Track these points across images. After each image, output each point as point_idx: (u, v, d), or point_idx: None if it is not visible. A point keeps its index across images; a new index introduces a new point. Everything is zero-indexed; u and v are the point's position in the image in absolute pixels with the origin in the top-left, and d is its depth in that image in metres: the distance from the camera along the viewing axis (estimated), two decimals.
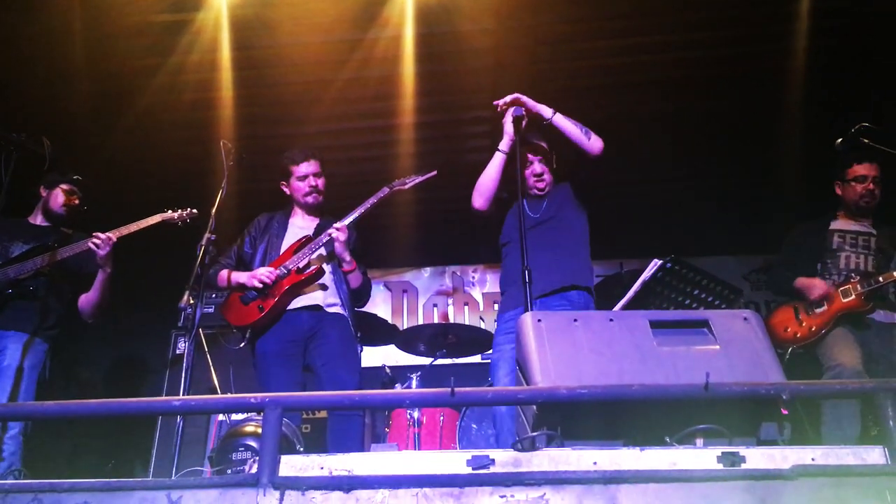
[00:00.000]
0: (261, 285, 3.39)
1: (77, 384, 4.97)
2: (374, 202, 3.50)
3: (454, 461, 1.63)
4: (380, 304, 6.31)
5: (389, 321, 5.35)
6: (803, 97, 4.80)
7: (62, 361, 3.77)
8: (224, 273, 3.53)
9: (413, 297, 6.58)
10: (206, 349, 4.57)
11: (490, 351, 3.34)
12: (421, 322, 6.32)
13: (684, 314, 2.27)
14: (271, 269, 3.42)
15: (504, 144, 3.24)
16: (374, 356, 5.17)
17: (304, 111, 5.13)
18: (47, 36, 4.31)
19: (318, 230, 3.59)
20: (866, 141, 3.54)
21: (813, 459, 1.61)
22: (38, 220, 3.67)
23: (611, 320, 2.05)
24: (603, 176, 3.49)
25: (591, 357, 1.94)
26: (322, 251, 3.51)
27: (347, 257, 3.49)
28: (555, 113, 3.16)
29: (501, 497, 1.48)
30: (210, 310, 4.70)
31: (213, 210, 3.28)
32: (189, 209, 3.63)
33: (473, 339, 4.65)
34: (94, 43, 4.39)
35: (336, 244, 3.43)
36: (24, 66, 4.51)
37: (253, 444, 3.12)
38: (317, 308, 3.45)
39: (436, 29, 4.47)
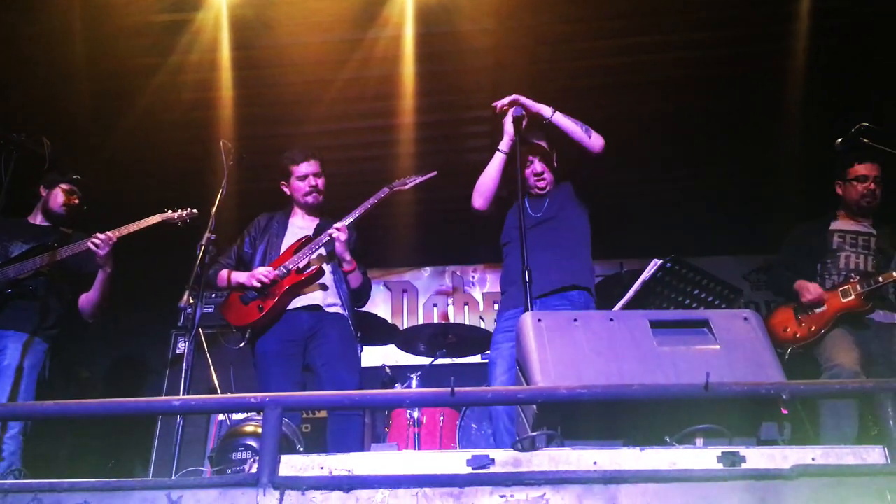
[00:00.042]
0: (260, 285, 3.39)
1: (77, 384, 4.97)
2: (375, 202, 3.50)
3: (454, 461, 1.63)
4: (380, 304, 6.32)
5: (389, 321, 5.35)
6: (803, 97, 4.80)
7: (62, 361, 3.77)
8: (224, 273, 3.53)
9: (413, 297, 6.58)
10: (206, 349, 4.57)
11: (489, 351, 3.34)
12: (421, 322, 6.32)
13: (684, 314, 2.27)
14: (270, 268, 3.43)
15: (504, 144, 3.24)
16: (374, 356, 5.17)
17: (304, 111, 5.13)
18: (47, 36, 4.31)
19: (318, 230, 3.59)
20: (866, 141, 3.54)
21: (813, 459, 1.61)
22: (37, 219, 3.67)
23: (611, 320, 2.05)
24: (604, 174, 3.49)
25: (591, 357, 1.94)
26: (322, 251, 3.51)
27: (348, 257, 3.49)
28: (554, 112, 3.16)
29: (501, 497, 1.48)
30: (210, 310, 4.69)
31: (213, 210, 3.28)
32: (189, 209, 3.63)
33: (473, 339, 4.65)
34: (94, 43, 4.39)
35: (336, 244, 3.44)
36: (24, 66, 4.50)
37: (253, 443, 3.11)
38: (317, 308, 3.45)
39: (436, 29, 4.47)
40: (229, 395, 4.16)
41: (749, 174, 5.80)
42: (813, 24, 4.42)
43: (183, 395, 2.88)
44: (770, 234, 4.59)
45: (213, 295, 4.74)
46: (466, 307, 6.53)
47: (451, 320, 6.36)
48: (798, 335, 3.64)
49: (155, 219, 3.58)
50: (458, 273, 6.64)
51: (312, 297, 3.46)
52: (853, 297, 3.54)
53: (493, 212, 3.39)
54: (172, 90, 4.75)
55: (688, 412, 1.79)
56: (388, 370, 4.61)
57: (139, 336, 5.72)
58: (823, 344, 3.55)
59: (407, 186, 3.57)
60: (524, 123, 3.15)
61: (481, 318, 6.21)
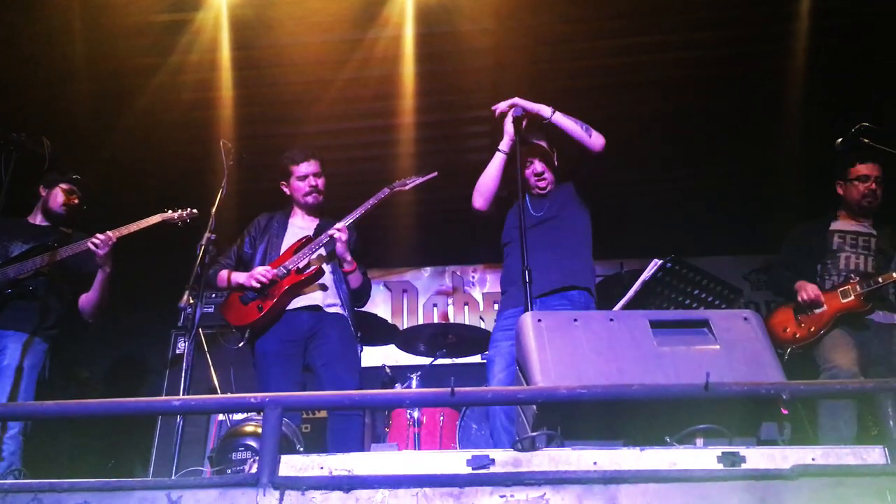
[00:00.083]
0: (259, 285, 3.39)
1: (77, 384, 4.97)
2: (375, 203, 3.50)
3: (454, 461, 1.63)
4: (380, 304, 6.32)
5: (389, 321, 5.35)
6: (803, 97, 4.80)
7: (62, 361, 3.77)
8: (224, 273, 3.53)
9: (413, 297, 6.58)
10: (206, 349, 4.57)
11: (488, 350, 3.34)
12: (421, 322, 6.32)
13: (684, 314, 2.27)
14: (269, 267, 3.43)
15: (504, 144, 3.24)
16: (374, 356, 5.17)
17: (304, 111, 5.13)
18: (47, 36, 4.31)
19: (318, 230, 3.59)
20: (866, 141, 3.53)
21: (813, 459, 1.61)
22: (37, 219, 3.67)
23: (611, 320, 2.05)
24: (604, 174, 3.49)
25: (591, 357, 1.94)
26: (322, 251, 3.51)
27: (348, 258, 3.49)
28: (554, 112, 3.16)
29: (501, 497, 1.48)
30: (210, 310, 4.69)
31: (213, 210, 3.28)
32: (189, 209, 3.63)
33: (473, 339, 4.65)
34: (94, 43, 4.39)
35: (337, 245, 3.43)
36: (24, 66, 4.50)
37: (253, 443, 3.11)
38: (316, 308, 3.45)
39: (436, 29, 4.47)
40: (229, 395, 4.16)
41: (749, 174, 5.80)
42: (813, 24, 4.42)
43: (183, 395, 2.88)
44: (770, 234, 4.59)
45: (213, 295, 4.74)
46: (466, 307, 6.53)
47: (451, 320, 6.36)
48: (797, 335, 3.64)
49: (155, 219, 3.57)
50: (458, 273, 6.64)
51: (312, 298, 3.46)
52: (853, 297, 3.54)
53: (493, 212, 3.39)
54: (172, 90, 4.75)
55: (688, 412, 1.79)
56: (388, 370, 4.61)
57: (139, 336, 5.72)
58: (822, 345, 3.55)
59: (407, 187, 3.57)
60: (524, 124, 3.16)
61: (481, 318, 6.20)
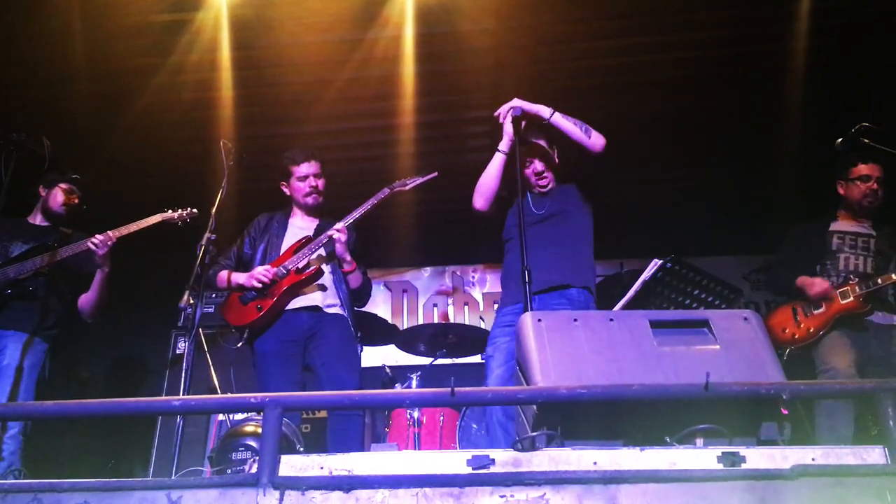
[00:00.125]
0: (259, 285, 3.39)
1: (77, 384, 4.97)
2: (375, 203, 3.50)
3: (454, 461, 1.63)
4: (380, 304, 6.31)
5: (389, 321, 5.35)
6: (803, 97, 4.80)
7: (62, 361, 3.77)
8: (224, 274, 3.53)
9: (413, 297, 6.58)
10: (206, 349, 4.57)
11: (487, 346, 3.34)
12: (421, 322, 6.32)
13: (684, 314, 2.27)
14: (269, 267, 3.43)
15: (504, 145, 3.24)
16: (374, 356, 5.17)
17: (304, 111, 5.13)
18: (47, 36, 4.31)
19: (318, 231, 3.59)
20: (866, 141, 3.53)
21: (813, 459, 1.61)
22: (37, 219, 3.66)
23: (611, 320, 2.05)
24: (604, 174, 3.49)
25: (591, 357, 1.94)
26: (321, 251, 3.51)
27: (348, 258, 3.49)
28: (553, 112, 3.16)
29: (501, 497, 1.48)
30: (210, 310, 4.70)
31: (213, 210, 3.28)
32: (189, 209, 3.63)
33: (473, 339, 4.65)
34: (94, 43, 4.39)
35: (337, 245, 3.43)
36: (24, 66, 4.51)
37: (253, 444, 3.11)
38: (316, 309, 3.45)
39: (436, 29, 4.47)
40: (229, 395, 4.16)
41: (749, 174, 5.80)
42: (813, 24, 4.42)
43: (183, 395, 2.88)
44: (770, 234, 4.59)
45: (213, 295, 4.74)
46: (466, 307, 6.53)
47: (451, 320, 6.36)
48: (797, 336, 3.64)
49: (155, 219, 3.57)
50: (458, 273, 6.64)
51: (312, 298, 3.46)
52: (852, 298, 3.53)
53: (493, 212, 3.39)
54: (172, 90, 4.75)
55: (688, 412, 1.79)
56: (388, 370, 4.61)
57: (139, 336, 5.72)
58: (821, 346, 3.55)
59: (407, 187, 3.57)
60: (523, 124, 3.16)
61: (481, 318, 6.21)
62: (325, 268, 3.51)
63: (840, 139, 3.60)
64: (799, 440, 2.04)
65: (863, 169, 3.72)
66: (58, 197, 3.63)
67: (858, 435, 3.34)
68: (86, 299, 3.56)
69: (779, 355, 3.24)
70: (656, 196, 6.19)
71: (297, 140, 4.96)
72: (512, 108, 3.14)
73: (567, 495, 1.48)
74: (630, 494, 1.48)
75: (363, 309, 3.93)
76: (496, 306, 5.20)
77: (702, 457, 1.62)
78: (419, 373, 4.33)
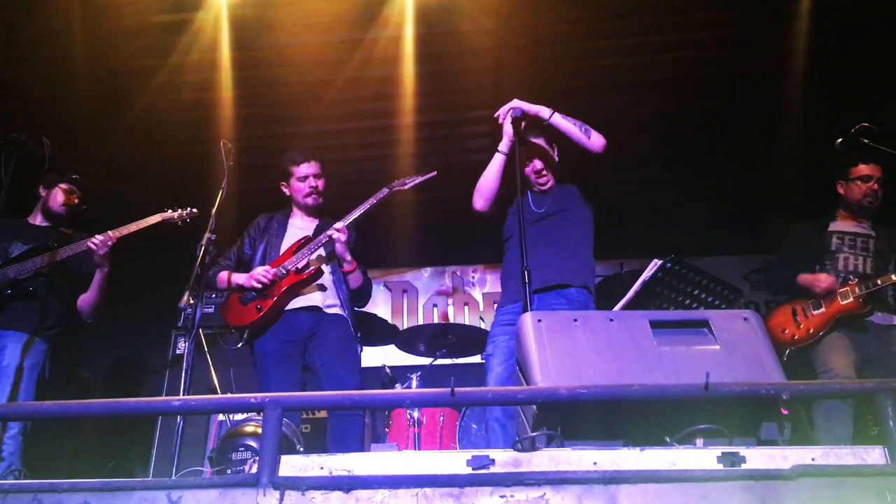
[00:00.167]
0: (259, 285, 3.39)
1: (77, 384, 4.97)
2: (374, 203, 3.50)
3: (454, 461, 1.63)
4: (380, 304, 6.32)
5: (389, 321, 5.35)
6: (803, 97, 4.80)
7: (62, 361, 3.77)
8: (224, 275, 3.53)
9: (413, 297, 6.58)
10: (206, 349, 4.57)
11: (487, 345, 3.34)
12: (421, 322, 6.32)
13: (684, 314, 2.27)
14: (268, 268, 3.43)
15: (503, 145, 3.25)
16: (374, 356, 5.17)
17: (304, 111, 5.13)
18: (47, 36, 4.31)
19: (318, 231, 3.59)
20: (866, 141, 3.53)
21: (813, 459, 1.61)
22: (37, 220, 3.66)
23: (611, 320, 2.05)
24: (603, 174, 3.49)
25: (591, 357, 1.94)
26: (321, 252, 3.51)
27: (348, 257, 3.49)
28: (553, 113, 3.17)
29: (501, 497, 1.48)
30: (210, 310, 4.69)
31: (214, 210, 3.28)
32: (189, 209, 3.63)
33: (473, 339, 4.65)
34: (94, 43, 4.39)
35: (337, 245, 3.43)
36: (24, 66, 4.51)
37: (253, 444, 3.11)
38: (316, 309, 3.45)
39: (436, 29, 4.47)
40: (229, 395, 4.16)
41: (749, 174, 5.79)
42: (813, 24, 4.43)
43: (183, 395, 2.88)
44: (770, 234, 4.59)
45: (213, 295, 4.74)
46: (466, 307, 6.53)
47: (451, 320, 6.36)
48: (796, 337, 3.63)
49: (155, 219, 3.57)
50: (459, 273, 6.64)
51: (311, 298, 3.46)
52: (852, 299, 3.53)
53: (493, 212, 3.39)
54: (172, 90, 4.76)
55: (688, 412, 1.79)
56: (388, 370, 4.61)
57: (139, 336, 5.72)
58: (820, 348, 3.54)
59: (406, 187, 3.57)
60: (522, 125, 3.16)
61: (481, 318, 6.21)
62: (325, 268, 3.51)
63: (840, 139, 3.59)
64: (799, 440, 2.04)
65: (863, 169, 3.72)
66: (58, 197, 3.63)
67: (857, 436, 3.33)
68: (85, 299, 3.56)
69: (778, 356, 3.25)
70: (656, 196, 6.19)
71: (297, 140, 4.96)
72: (511, 108, 3.14)
73: (567, 495, 1.48)
74: (630, 494, 1.48)
75: (363, 309, 3.93)
76: (496, 306, 5.20)
77: (702, 457, 1.62)
78: (419, 373, 4.33)
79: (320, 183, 3.64)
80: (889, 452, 1.59)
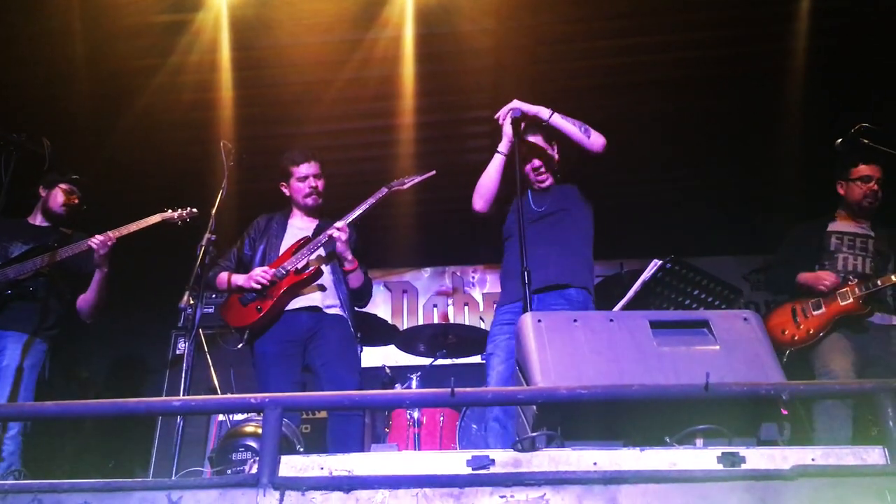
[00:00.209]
0: (258, 286, 3.39)
1: (77, 384, 4.97)
2: (373, 203, 3.50)
3: (454, 461, 1.63)
4: (380, 305, 6.31)
5: (389, 321, 5.35)
6: (803, 97, 4.80)
7: (62, 361, 3.77)
8: (224, 276, 3.53)
9: (413, 298, 6.58)
10: (206, 349, 4.57)
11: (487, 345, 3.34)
12: (421, 322, 6.32)
13: (684, 314, 2.28)
14: (267, 268, 3.43)
15: (503, 146, 3.25)
16: (374, 356, 5.17)
17: (304, 111, 5.13)
18: (47, 36, 4.31)
19: (317, 231, 3.59)
20: (866, 141, 3.53)
21: (813, 460, 1.61)
22: (37, 220, 3.66)
23: (611, 320, 2.05)
24: (604, 173, 3.49)
25: (591, 357, 1.94)
26: (321, 252, 3.51)
27: (349, 256, 3.48)
28: (552, 114, 3.17)
29: (501, 497, 1.48)
30: (210, 310, 4.70)
31: (214, 210, 3.28)
32: (189, 208, 3.63)
33: (473, 339, 4.66)
34: (94, 43, 4.39)
35: (338, 243, 3.43)
36: (24, 66, 4.51)
37: (253, 444, 3.11)
38: (316, 309, 3.45)
39: (436, 29, 4.47)
40: (229, 395, 4.16)
41: (749, 174, 5.80)
42: (813, 24, 4.43)
43: (183, 395, 2.88)
44: (770, 234, 4.59)
45: (213, 295, 4.73)
46: (466, 308, 6.53)
47: (451, 321, 6.36)
48: (796, 338, 3.63)
49: (155, 219, 3.58)
50: (458, 273, 6.64)
51: (311, 299, 3.46)
52: (851, 300, 3.53)
53: (493, 213, 3.40)
54: (172, 91, 4.75)
55: (688, 412, 1.79)
56: (388, 370, 4.61)
57: (139, 336, 5.72)
58: (819, 349, 3.54)
59: (405, 186, 3.57)
60: (522, 125, 3.16)
61: (481, 318, 6.20)
62: (325, 268, 3.51)
63: (840, 139, 3.59)
64: (799, 440, 2.04)
65: (864, 169, 3.72)
66: (58, 197, 3.63)
67: (857, 436, 3.33)
68: (84, 300, 3.56)
69: (778, 357, 3.25)
70: (656, 196, 6.19)
71: (297, 140, 4.96)
72: (511, 109, 3.14)
73: (567, 496, 1.48)
74: (630, 495, 1.48)
75: (363, 309, 3.93)
76: (496, 306, 5.20)
77: (702, 457, 1.62)
78: (419, 373, 4.33)
79: (320, 183, 3.63)
80: (889, 452, 1.59)
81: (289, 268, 3.42)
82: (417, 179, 3.57)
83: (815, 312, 3.61)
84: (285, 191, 3.69)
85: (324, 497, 1.50)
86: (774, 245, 4.13)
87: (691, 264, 3.08)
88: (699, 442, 1.78)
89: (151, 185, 5.41)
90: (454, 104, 5.24)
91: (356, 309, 3.66)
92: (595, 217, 3.40)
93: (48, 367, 3.44)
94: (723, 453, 1.61)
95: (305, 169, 3.60)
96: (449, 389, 1.64)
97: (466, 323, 6.08)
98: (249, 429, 3.23)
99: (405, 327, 5.94)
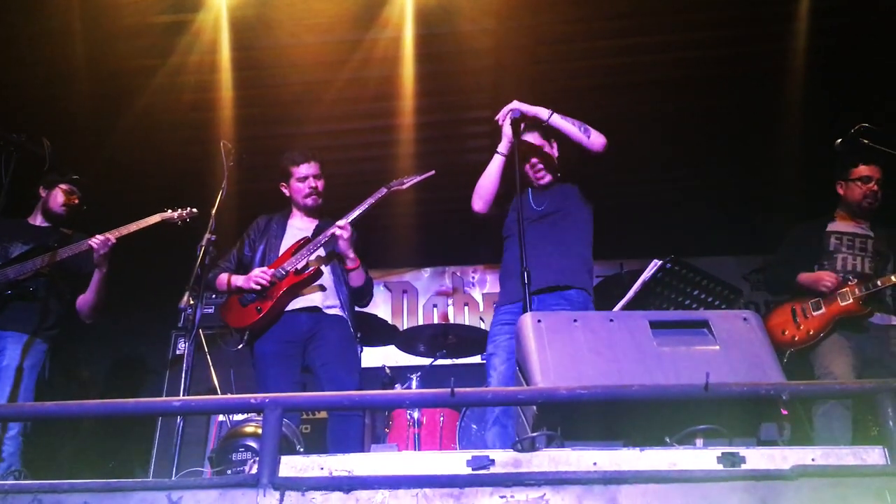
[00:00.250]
0: (258, 287, 3.39)
1: (77, 384, 4.97)
2: (373, 202, 3.50)
3: (454, 461, 1.63)
4: (380, 305, 6.31)
5: (389, 321, 5.35)
6: (803, 97, 4.80)
7: (62, 361, 3.77)
8: (224, 276, 3.53)
9: (413, 298, 6.58)
10: (206, 350, 4.57)
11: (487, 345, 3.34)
12: (421, 322, 6.32)
13: (684, 314, 2.28)
14: (266, 269, 3.43)
15: (503, 147, 3.25)
16: (374, 356, 5.17)
17: (304, 111, 5.13)
18: (47, 36, 4.31)
19: (317, 231, 3.59)
20: (866, 141, 3.53)
21: (813, 460, 1.61)
22: (37, 220, 3.67)
23: (611, 320, 2.05)
24: (604, 173, 3.49)
25: (591, 357, 1.94)
26: (321, 252, 3.51)
27: (351, 254, 3.48)
28: (552, 114, 3.17)
29: (501, 497, 1.48)
30: (210, 310, 4.69)
31: (214, 210, 3.28)
32: (189, 208, 3.63)
33: (473, 339, 4.66)
34: (94, 43, 4.39)
35: (340, 242, 3.42)
36: (24, 66, 4.51)
37: (253, 444, 3.11)
38: (315, 310, 3.45)
39: (436, 29, 4.47)
40: (229, 395, 4.16)
41: (749, 174, 5.80)
42: (813, 24, 4.43)
43: (183, 395, 2.88)
44: (770, 234, 4.59)
45: (213, 296, 4.73)
46: (466, 308, 6.53)
47: (451, 321, 6.36)
48: (796, 338, 3.63)
49: (155, 219, 3.58)
50: (458, 274, 6.64)
51: (311, 299, 3.46)
52: (851, 300, 3.52)
53: (493, 214, 3.39)
54: (172, 91, 4.75)
55: (688, 412, 1.79)
56: (388, 371, 4.61)
57: (139, 336, 5.72)
58: (819, 351, 3.54)
59: (405, 186, 3.57)
60: (522, 126, 3.16)
61: (481, 318, 6.20)
62: (325, 268, 3.51)
63: (840, 139, 3.59)
64: (799, 440, 2.04)
65: (863, 170, 3.72)
66: (58, 197, 3.63)
67: (857, 436, 3.33)
68: (84, 300, 3.56)
69: (778, 358, 3.25)
70: (656, 196, 6.19)
71: (297, 141, 4.96)
72: (511, 110, 3.14)
73: (567, 496, 1.48)
74: (630, 495, 1.48)
75: (363, 309, 3.93)
76: (495, 306, 5.20)
77: (702, 457, 1.62)
78: (419, 373, 4.33)
79: (320, 183, 3.63)
80: (889, 452, 1.59)
81: (288, 268, 3.42)
82: (417, 179, 3.57)
83: (815, 313, 3.61)
84: (285, 191, 3.69)
85: (324, 497, 1.50)
86: (774, 245, 4.13)
87: (691, 264, 3.08)
88: (699, 442, 1.78)
89: (151, 185, 5.41)
90: (454, 104, 5.24)
91: (357, 309, 3.66)
92: (595, 217, 3.40)
93: (48, 367, 3.44)
94: (723, 453, 1.61)
95: (305, 169, 3.60)
96: (449, 389, 1.64)
97: (466, 323, 6.09)
98: (249, 429, 3.23)
99: (405, 327, 5.95)
